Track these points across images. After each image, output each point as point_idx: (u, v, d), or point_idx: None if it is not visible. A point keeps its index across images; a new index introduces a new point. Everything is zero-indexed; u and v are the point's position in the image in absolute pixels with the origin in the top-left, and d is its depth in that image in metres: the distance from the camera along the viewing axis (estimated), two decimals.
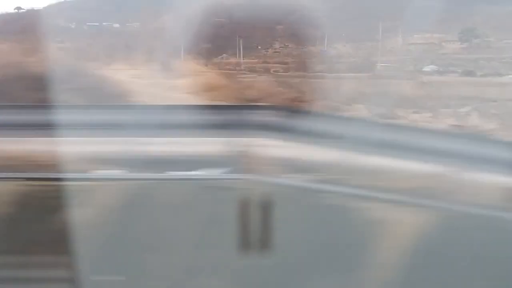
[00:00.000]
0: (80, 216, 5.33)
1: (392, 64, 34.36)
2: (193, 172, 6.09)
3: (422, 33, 40.26)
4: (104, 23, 38.37)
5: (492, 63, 37.74)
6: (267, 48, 40.06)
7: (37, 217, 5.54)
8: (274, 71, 31.74)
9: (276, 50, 39.42)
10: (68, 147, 5.89)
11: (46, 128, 6.00)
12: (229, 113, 7.40)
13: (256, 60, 35.10)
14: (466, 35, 36.80)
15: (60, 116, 6.05)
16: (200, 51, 33.08)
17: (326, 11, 32.73)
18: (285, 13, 35.57)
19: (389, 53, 39.29)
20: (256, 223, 5.33)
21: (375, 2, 40.63)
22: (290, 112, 7.32)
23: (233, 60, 35.81)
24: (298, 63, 35.51)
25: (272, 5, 35.73)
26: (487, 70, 36.32)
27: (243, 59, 35.61)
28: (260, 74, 37.71)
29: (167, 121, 6.29)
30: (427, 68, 32.99)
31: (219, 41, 31.56)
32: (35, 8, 53.34)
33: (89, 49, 36.63)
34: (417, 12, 45.04)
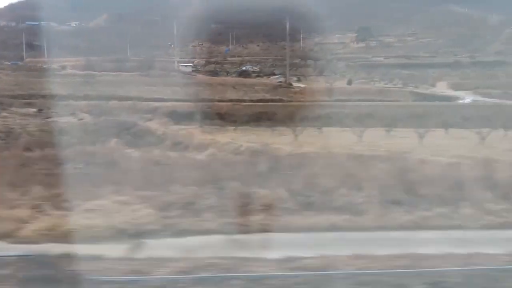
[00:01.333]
0: None
1: (191, 64, 35.90)
2: None
3: (346, 33, 42.08)
4: (42, 22, 39.69)
5: (357, 62, 39.43)
6: (177, 47, 41.19)
7: None
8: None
9: (183, 49, 40.55)
10: None
11: None
12: None
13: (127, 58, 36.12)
14: (363, 34, 38.61)
15: None
16: (117, 49, 34.46)
17: (265, 10, 34.05)
18: (219, 12, 37.14)
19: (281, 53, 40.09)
20: None
21: (315, 2, 42.36)
22: None
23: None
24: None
25: (208, 5, 37.13)
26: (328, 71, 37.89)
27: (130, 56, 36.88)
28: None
29: None
30: (244, 68, 34.67)
31: (146, 40, 32.93)
32: None
33: None
34: (351, 14, 47.40)
